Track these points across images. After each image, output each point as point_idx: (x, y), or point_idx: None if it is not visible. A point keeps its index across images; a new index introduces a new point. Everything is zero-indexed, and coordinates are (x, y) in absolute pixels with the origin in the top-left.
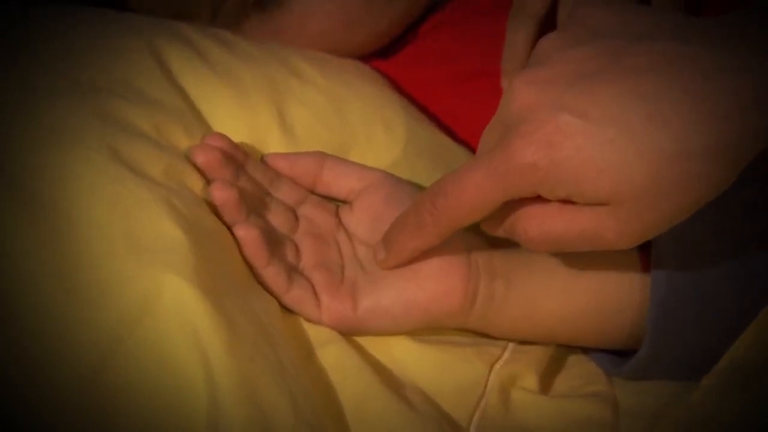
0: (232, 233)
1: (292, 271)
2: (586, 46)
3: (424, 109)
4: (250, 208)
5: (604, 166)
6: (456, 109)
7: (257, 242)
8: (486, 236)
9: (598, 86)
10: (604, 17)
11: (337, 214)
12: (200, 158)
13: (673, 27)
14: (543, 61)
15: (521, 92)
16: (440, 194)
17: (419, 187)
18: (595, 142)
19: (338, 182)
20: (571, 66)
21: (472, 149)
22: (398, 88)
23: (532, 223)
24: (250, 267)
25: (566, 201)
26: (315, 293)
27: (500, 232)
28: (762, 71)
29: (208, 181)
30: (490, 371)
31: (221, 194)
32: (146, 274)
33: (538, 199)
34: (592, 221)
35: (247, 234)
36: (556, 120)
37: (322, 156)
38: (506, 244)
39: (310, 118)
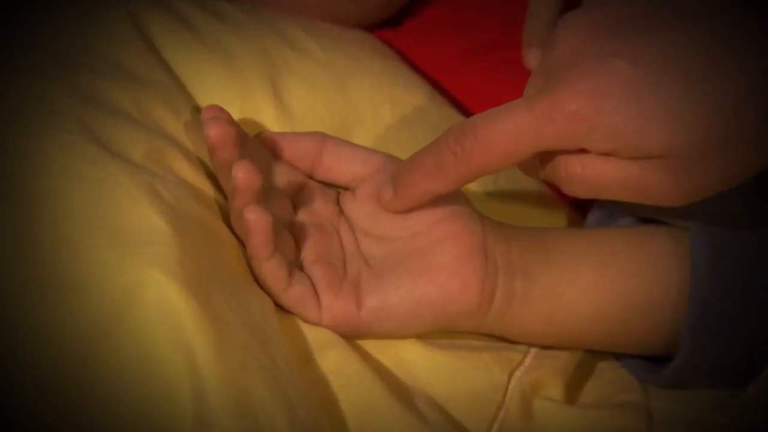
0: (227, 224)
1: (291, 265)
2: None
3: (436, 85)
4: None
5: (656, 118)
6: (472, 85)
7: (268, 230)
8: (500, 227)
9: (652, 30)
10: None
11: (337, 202)
12: (213, 131)
13: None
14: (592, 3)
15: (569, 36)
16: (468, 134)
17: None
18: (648, 91)
19: (340, 166)
20: (622, 9)
21: None
22: (408, 61)
23: (574, 160)
24: (247, 259)
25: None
26: (315, 291)
27: (537, 175)
28: None
29: (197, 162)
30: (509, 379)
31: (247, 177)
32: (126, 270)
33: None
34: (639, 171)
35: (260, 219)
36: (606, 66)
37: (322, 137)
38: (524, 235)
39: (308, 94)
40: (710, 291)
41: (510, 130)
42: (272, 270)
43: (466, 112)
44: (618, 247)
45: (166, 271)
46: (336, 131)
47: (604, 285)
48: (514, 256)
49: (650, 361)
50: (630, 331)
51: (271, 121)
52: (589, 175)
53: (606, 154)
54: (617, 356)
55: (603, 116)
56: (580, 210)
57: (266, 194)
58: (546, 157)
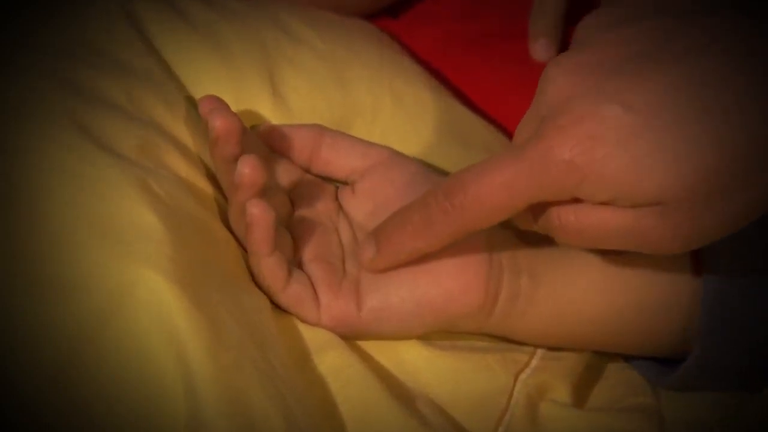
0: (223, 221)
1: (290, 264)
2: (632, 27)
3: (438, 76)
4: None
5: (653, 164)
6: (476, 77)
7: (270, 225)
8: (508, 226)
9: (646, 72)
10: None
11: (336, 198)
12: (218, 122)
13: None
14: (583, 44)
15: (558, 80)
16: (458, 190)
17: (432, 169)
18: (643, 136)
19: (338, 160)
20: (615, 49)
21: (494, 122)
22: (409, 51)
23: (568, 209)
24: (244, 257)
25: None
26: (314, 290)
27: (531, 226)
28: None
29: (192, 157)
30: (515, 381)
31: (253, 173)
32: (119, 268)
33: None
34: (637, 219)
35: (263, 214)
36: (598, 111)
37: (320, 129)
38: (532, 235)
39: (306, 86)
40: (724, 288)
41: (501, 184)
42: (271, 268)
43: (468, 104)
44: None
45: (158, 269)
46: (335, 124)
47: (604, 285)
48: (520, 255)
49: (662, 363)
50: (641, 331)
51: (267, 113)
52: (584, 224)
53: (602, 203)
54: (627, 358)
55: (597, 165)
56: None
57: (265, 190)
58: (538, 207)
